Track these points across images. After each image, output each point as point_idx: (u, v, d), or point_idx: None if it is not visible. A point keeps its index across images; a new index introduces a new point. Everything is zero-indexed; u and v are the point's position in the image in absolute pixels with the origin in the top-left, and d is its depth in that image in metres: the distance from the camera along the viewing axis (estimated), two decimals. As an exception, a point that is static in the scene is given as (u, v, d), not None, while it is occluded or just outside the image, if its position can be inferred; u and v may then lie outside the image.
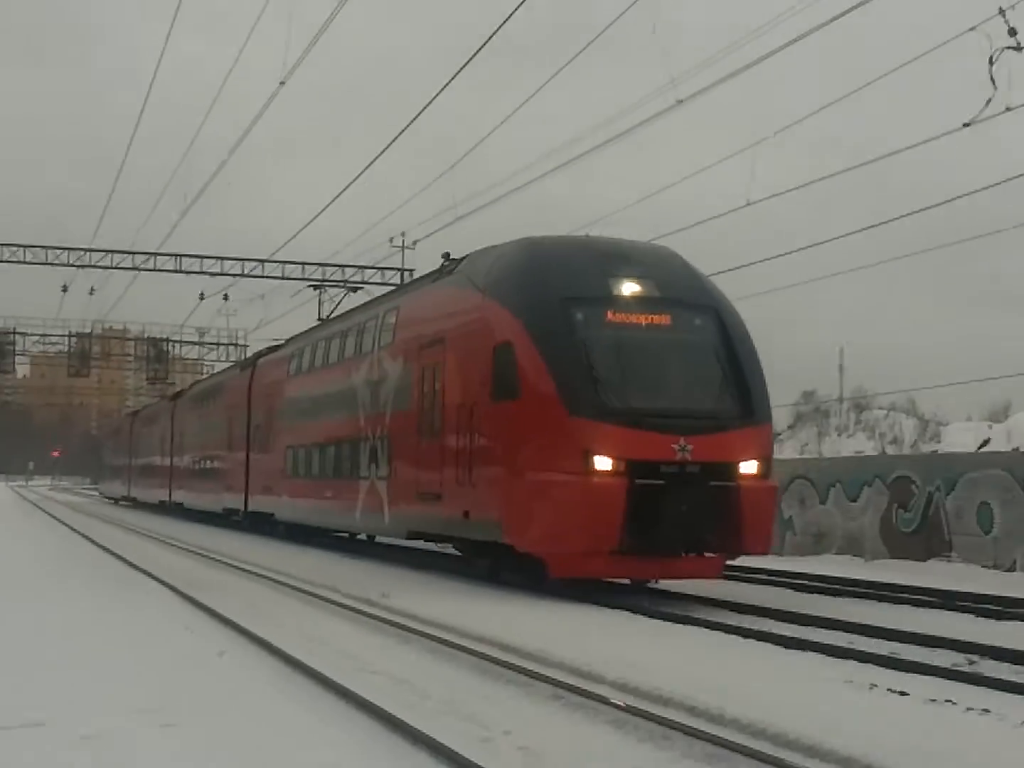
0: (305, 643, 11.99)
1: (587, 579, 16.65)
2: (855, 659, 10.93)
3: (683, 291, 17.56)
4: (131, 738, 7.45)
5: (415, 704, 8.60)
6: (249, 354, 47.49)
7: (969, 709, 8.22)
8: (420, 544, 23.98)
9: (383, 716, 7.95)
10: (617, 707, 8.32)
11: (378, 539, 27.81)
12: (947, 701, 8.49)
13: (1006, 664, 11.06)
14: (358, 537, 28.77)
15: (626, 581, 17.33)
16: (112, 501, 77.29)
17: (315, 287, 41.48)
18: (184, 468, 44.06)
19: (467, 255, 20.40)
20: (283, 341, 34.07)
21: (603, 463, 15.06)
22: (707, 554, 16.12)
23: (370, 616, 14.95)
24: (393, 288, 31.13)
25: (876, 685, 9.22)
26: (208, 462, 39.49)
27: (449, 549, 22.38)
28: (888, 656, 11.14)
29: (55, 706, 8.32)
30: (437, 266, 22.97)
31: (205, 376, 54.96)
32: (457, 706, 8.64)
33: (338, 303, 38.87)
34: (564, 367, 15.77)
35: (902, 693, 8.85)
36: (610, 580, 17.32)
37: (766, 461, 16.46)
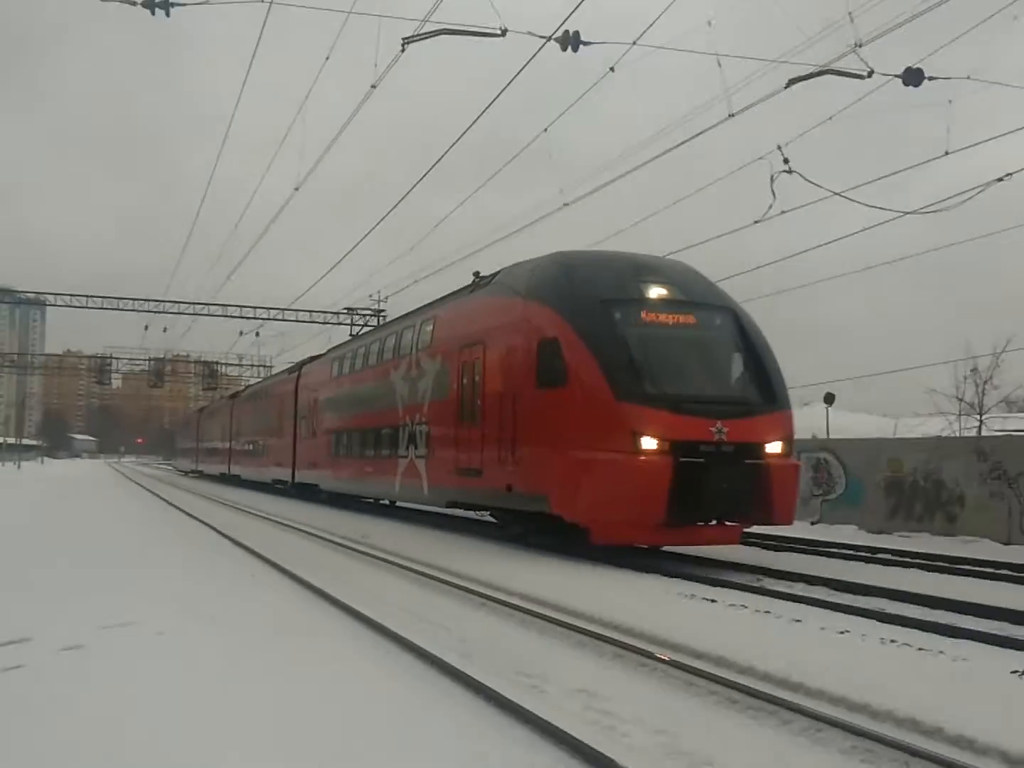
0: (323, 574, 12.65)
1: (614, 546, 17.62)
2: (684, 578, 14.47)
3: (704, 295, 18.91)
4: (187, 630, 9.34)
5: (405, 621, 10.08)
6: (271, 372, 65.14)
7: (756, 611, 11.38)
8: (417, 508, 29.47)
9: (360, 616, 9.81)
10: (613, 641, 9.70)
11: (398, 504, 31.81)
12: (742, 606, 11.70)
13: (782, 581, 14.89)
14: (380, 502, 33.31)
15: (644, 546, 18.28)
16: (183, 473, 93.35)
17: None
18: (240, 448, 54.23)
19: (500, 270, 22.12)
20: (324, 352, 40.43)
21: (650, 443, 16.07)
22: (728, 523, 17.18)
23: (357, 551, 16.10)
24: (412, 310, 34.13)
25: (694, 595, 12.62)
26: (260, 443, 47.69)
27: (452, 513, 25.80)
28: (707, 577, 14.66)
29: (139, 614, 10.05)
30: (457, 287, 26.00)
31: (252, 382, 68.98)
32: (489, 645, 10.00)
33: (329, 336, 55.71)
34: (609, 358, 16.86)
35: (712, 600, 12.22)
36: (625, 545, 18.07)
37: (789, 442, 17.57)
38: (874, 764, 6.03)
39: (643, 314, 17.89)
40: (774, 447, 16.82)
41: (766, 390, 17.43)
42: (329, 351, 39.24)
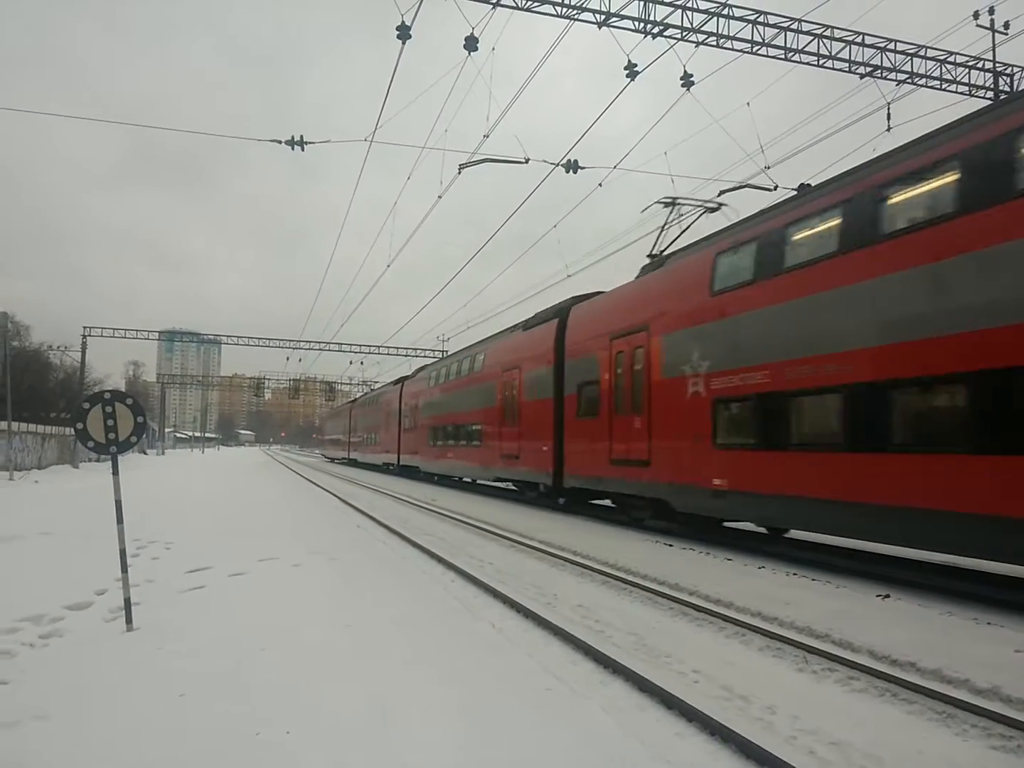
0: (408, 526, 12.90)
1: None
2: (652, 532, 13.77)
3: None
4: (317, 564, 9.18)
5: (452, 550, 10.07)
6: (373, 388, 61.67)
7: (700, 552, 10.70)
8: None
9: (433, 555, 9.48)
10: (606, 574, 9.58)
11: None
12: (691, 549, 10.22)
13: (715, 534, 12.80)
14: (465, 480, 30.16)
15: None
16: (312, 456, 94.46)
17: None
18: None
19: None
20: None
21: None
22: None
23: (428, 509, 16.10)
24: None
25: (657, 541, 12.31)
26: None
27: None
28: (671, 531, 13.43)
29: (281, 552, 10.03)
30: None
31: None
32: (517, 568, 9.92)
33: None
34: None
35: (669, 544, 12.07)
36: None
37: None
38: (782, 658, 5.92)
39: None
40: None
41: None
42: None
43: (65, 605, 7.34)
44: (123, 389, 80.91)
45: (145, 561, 10.00)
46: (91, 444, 7.02)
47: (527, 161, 18.04)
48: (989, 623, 6.71)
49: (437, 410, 29.44)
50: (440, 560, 10.35)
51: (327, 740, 4.18)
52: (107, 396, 7.17)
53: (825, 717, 4.63)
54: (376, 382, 62.59)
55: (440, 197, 18.40)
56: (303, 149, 16.40)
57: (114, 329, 57.32)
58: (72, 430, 7.90)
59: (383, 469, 42.36)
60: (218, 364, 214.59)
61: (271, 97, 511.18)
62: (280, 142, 16.57)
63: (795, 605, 7.27)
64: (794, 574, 9.17)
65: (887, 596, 7.78)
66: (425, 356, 60.46)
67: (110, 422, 7.06)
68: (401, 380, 41.10)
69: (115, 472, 7.15)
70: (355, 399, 61.88)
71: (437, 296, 29.48)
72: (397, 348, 63.60)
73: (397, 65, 14.77)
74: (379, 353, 63.52)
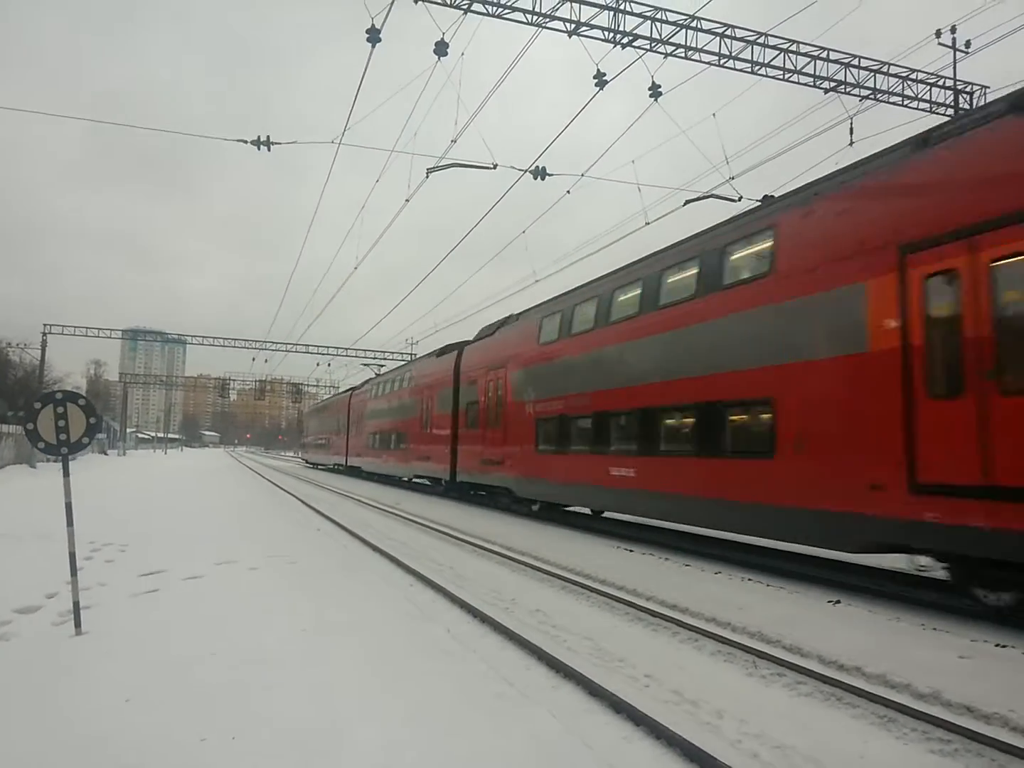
0: (372, 532, 13.22)
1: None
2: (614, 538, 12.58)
3: None
4: (275, 567, 9.05)
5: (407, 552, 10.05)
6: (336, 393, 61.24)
7: (659, 558, 10.38)
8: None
9: (393, 559, 9.37)
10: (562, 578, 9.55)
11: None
12: (650, 554, 9.99)
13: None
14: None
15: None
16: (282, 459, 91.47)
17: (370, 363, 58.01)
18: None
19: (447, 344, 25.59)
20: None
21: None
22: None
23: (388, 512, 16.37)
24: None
25: (619, 547, 10.90)
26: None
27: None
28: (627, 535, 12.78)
29: (239, 555, 9.88)
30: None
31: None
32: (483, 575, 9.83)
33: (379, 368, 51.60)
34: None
35: (630, 550, 10.54)
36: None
37: None
38: (732, 662, 6.00)
39: None
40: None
41: None
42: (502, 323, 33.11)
43: (14, 608, 7.20)
44: (83, 388, 79.42)
45: (99, 564, 9.83)
46: (41, 445, 6.88)
47: (495, 167, 18.07)
48: (935, 628, 6.86)
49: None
50: (399, 564, 10.31)
51: (274, 745, 4.14)
52: (59, 396, 7.04)
53: (771, 721, 4.71)
54: (336, 387, 61.37)
55: (407, 201, 18.36)
56: (269, 149, 16.25)
57: (75, 327, 55.72)
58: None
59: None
60: (183, 364, 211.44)
61: (248, 96, 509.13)
62: (246, 142, 16.40)
63: (748, 610, 7.37)
64: (749, 579, 9.29)
65: (838, 602, 7.92)
66: (393, 359, 60.04)
67: (61, 423, 6.93)
68: (457, 346, 34.58)
69: (66, 474, 7.02)
70: (356, 388, 47.67)
71: (411, 299, 29.33)
72: (365, 351, 62.81)
73: (366, 68, 14.73)
74: (345, 355, 62.76)
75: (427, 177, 16.88)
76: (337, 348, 62.99)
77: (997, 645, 6.29)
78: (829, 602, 7.95)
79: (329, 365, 68.04)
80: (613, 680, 5.30)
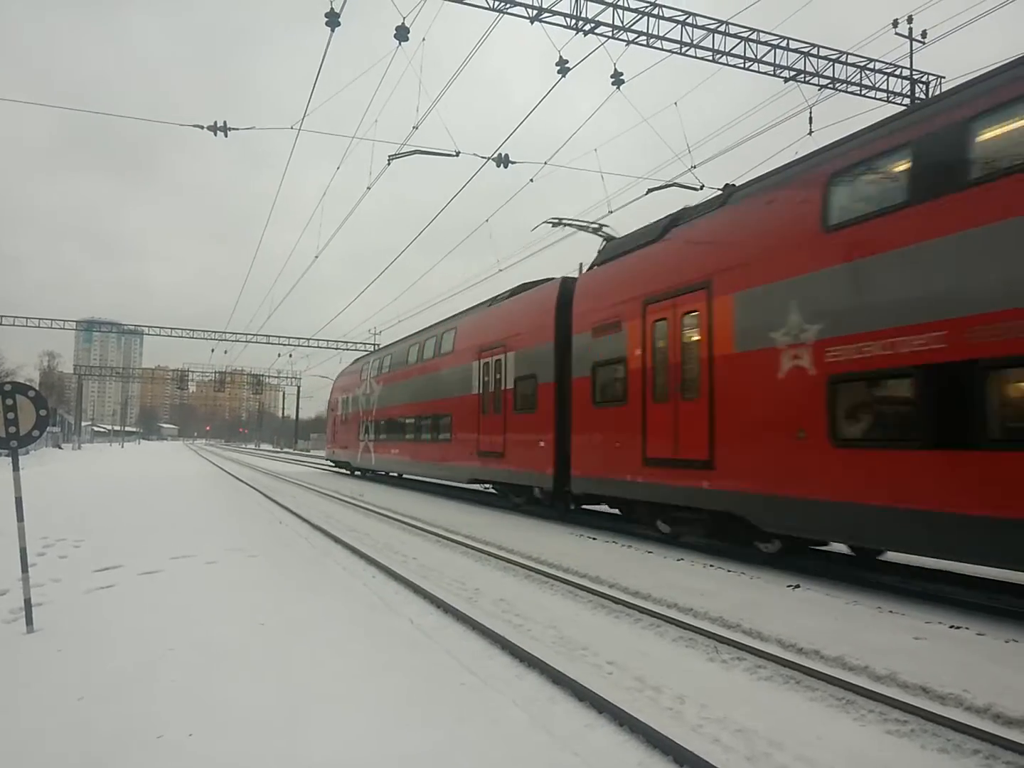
0: (334, 524, 13.07)
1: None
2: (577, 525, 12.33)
3: None
4: (234, 561, 8.92)
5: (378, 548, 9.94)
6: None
7: (622, 546, 10.97)
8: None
9: (356, 551, 9.28)
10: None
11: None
12: (613, 543, 10.32)
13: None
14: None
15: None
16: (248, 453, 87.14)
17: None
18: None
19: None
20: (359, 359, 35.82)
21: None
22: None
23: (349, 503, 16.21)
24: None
25: (582, 535, 10.85)
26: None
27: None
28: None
29: (197, 549, 9.70)
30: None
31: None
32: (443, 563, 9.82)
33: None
34: None
35: (593, 539, 10.39)
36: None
37: None
38: (694, 648, 6.06)
39: None
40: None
41: None
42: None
43: (-39, 607, 6.98)
44: (36, 381, 77.37)
45: (52, 560, 9.57)
46: (-12, 438, 6.66)
47: (458, 154, 17.94)
48: (891, 611, 7.01)
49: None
50: (362, 556, 10.23)
51: (232, 740, 4.07)
52: (7, 388, 6.82)
53: (732, 705, 4.76)
54: (322, 375, 58.66)
55: (369, 188, 18.15)
56: (226, 135, 15.90)
57: (27, 318, 54.01)
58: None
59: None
60: (139, 355, 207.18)
61: (214, 82, 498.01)
62: (202, 127, 16.03)
63: (710, 596, 7.45)
64: (711, 565, 9.40)
65: (797, 586, 8.05)
66: (356, 349, 59.33)
67: (10, 415, 6.71)
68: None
69: (15, 468, 6.81)
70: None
71: (378, 289, 28.56)
72: (328, 341, 61.83)
73: (326, 52, 14.47)
74: (307, 346, 61.84)
75: (388, 164, 16.69)
76: (299, 339, 61.92)
77: (951, 627, 6.44)
78: (788, 586, 8.08)
79: (291, 356, 67.06)
80: (577, 668, 5.32)
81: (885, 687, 5.02)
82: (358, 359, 32.25)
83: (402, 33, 15.59)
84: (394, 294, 45.05)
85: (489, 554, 10.58)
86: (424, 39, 16.31)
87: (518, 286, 18.15)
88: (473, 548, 11.16)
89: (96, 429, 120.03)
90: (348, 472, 32.73)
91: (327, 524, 13.75)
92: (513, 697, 4.81)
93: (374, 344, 57.40)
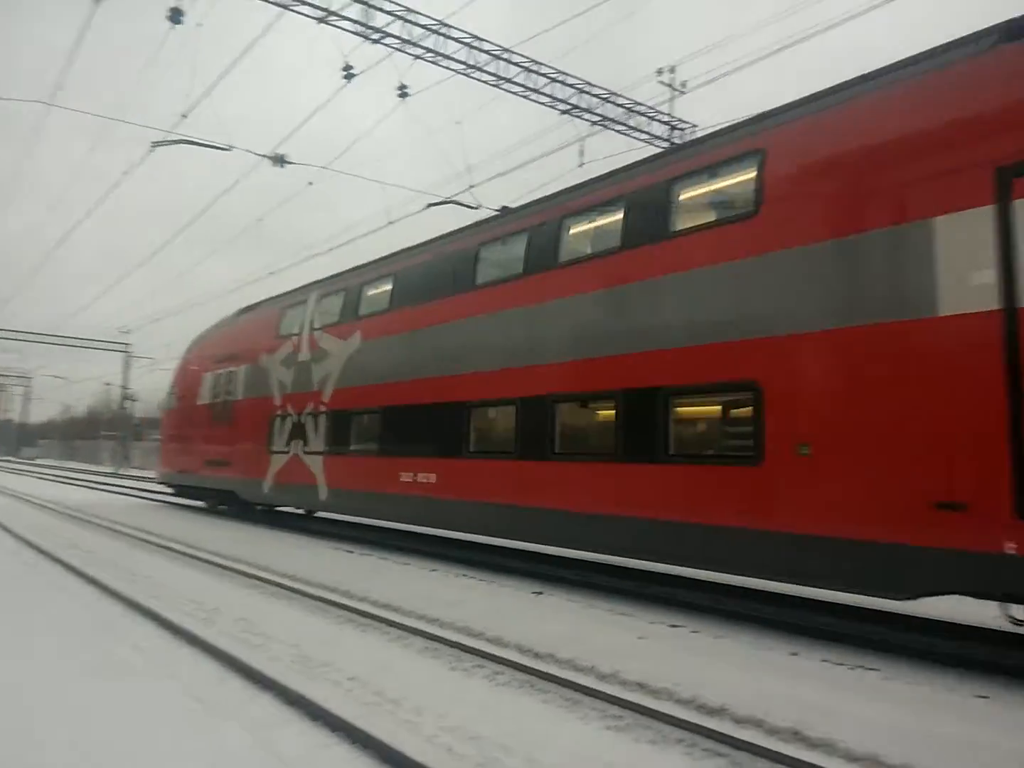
0: (52, 540, 11.79)
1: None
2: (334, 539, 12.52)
3: None
4: None
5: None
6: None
7: (376, 558, 10.38)
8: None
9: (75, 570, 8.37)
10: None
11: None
12: (369, 555, 10.32)
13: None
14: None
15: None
16: None
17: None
18: None
19: None
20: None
21: None
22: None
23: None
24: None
25: (338, 548, 10.83)
26: None
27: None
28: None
29: None
30: None
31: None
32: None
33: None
34: None
35: (350, 552, 11.18)
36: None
37: None
38: (438, 658, 6.11)
39: None
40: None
41: None
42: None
43: None
44: None
45: None
46: None
47: (231, 149, 16.97)
48: (622, 613, 7.58)
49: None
50: (82, 575, 9.16)
51: None
52: None
53: (469, 713, 4.84)
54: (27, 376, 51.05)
55: (125, 173, 16.58)
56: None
57: None
58: None
59: None
60: None
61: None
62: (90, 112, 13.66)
63: (458, 605, 7.58)
64: (464, 575, 9.61)
65: (540, 593, 8.46)
66: (102, 349, 53.38)
67: None
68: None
69: None
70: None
71: (136, 285, 26.16)
72: (70, 337, 53.87)
73: (87, 26, 13.01)
74: (45, 343, 53.69)
75: (152, 150, 15.36)
76: (36, 333, 52.33)
77: (671, 626, 7.10)
78: (533, 593, 8.46)
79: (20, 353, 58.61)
80: (315, 687, 5.13)
81: (608, 685, 5.38)
82: (269, 298, 18.49)
83: (175, 16, 14.53)
84: (156, 291, 41.50)
85: (234, 570, 9.99)
86: (200, 24, 15.28)
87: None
88: (216, 564, 10.49)
89: None
90: (226, 508, 18.67)
91: (42, 540, 12.18)
92: (242, 722, 4.52)
93: (124, 344, 51.92)
